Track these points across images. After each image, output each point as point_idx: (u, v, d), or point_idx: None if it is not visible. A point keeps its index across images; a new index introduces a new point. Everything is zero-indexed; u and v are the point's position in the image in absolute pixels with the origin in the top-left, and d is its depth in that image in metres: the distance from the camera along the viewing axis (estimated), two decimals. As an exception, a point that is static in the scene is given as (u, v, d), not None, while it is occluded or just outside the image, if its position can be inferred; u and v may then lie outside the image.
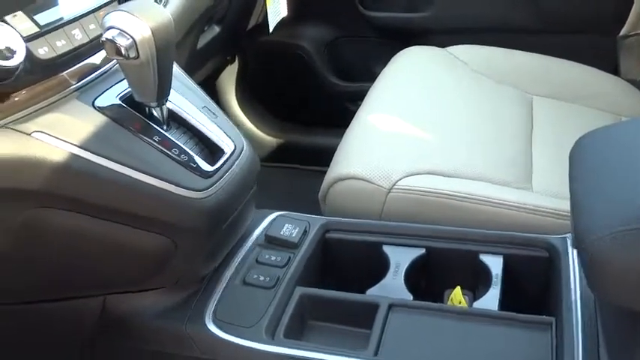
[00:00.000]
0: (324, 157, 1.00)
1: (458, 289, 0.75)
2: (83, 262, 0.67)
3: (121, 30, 0.60)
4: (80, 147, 0.62)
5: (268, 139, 1.57)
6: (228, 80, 1.55)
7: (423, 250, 0.78)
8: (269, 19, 1.29)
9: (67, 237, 0.65)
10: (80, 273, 0.69)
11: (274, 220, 0.83)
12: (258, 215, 0.84)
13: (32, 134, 0.60)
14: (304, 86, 1.54)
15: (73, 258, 0.67)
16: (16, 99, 0.61)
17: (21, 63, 0.58)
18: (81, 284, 0.70)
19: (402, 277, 0.75)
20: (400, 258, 0.78)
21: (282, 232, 0.80)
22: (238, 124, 1.55)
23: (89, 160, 0.62)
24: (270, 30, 1.29)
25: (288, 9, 1.34)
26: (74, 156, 0.61)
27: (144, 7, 0.62)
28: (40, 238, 0.64)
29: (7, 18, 0.59)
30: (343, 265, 0.82)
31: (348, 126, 1.04)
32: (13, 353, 0.77)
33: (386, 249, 0.79)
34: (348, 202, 0.90)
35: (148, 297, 0.71)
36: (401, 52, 1.22)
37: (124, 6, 0.62)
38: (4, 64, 0.56)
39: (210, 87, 1.52)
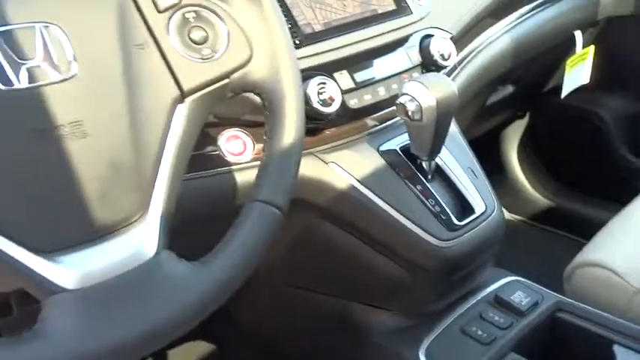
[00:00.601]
0: (590, 229, 0.99)
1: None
2: (334, 268, 0.84)
3: (412, 97, 0.73)
4: (359, 181, 0.77)
5: (537, 197, 1.57)
6: (514, 133, 1.59)
7: (659, 364, 0.74)
8: (564, 85, 1.29)
9: (331, 245, 0.82)
10: (329, 276, 0.85)
11: (509, 283, 0.87)
12: (495, 274, 0.89)
13: (329, 163, 0.77)
14: (591, 154, 1.49)
15: (328, 262, 0.84)
16: (326, 133, 0.79)
17: (336, 110, 0.75)
18: (329, 284, 0.87)
19: (625, 383, 0.73)
20: (629, 363, 0.75)
21: (512, 297, 0.84)
22: (512, 176, 1.59)
23: (363, 193, 0.77)
24: (562, 96, 1.30)
25: (591, 75, 1.32)
26: (353, 187, 0.77)
27: (434, 80, 0.73)
28: (311, 240, 0.83)
29: (336, 75, 0.77)
30: (566, 348, 0.82)
31: (625, 204, 1.01)
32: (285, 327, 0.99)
33: (616, 349, 0.77)
34: (592, 289, 0.88)
35: (380, 315, 0.84)
36: None
37: (419, 77, 0.75)
38: (323, 110, 0.74)
39: (494, 136, 1.59)
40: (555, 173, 1.57)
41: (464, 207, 0.80)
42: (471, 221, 0.79)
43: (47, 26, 0.45)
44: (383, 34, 0.82)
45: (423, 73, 0.85)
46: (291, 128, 0.55)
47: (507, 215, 1.60)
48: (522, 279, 0.88)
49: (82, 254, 0.43)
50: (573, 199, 1.52)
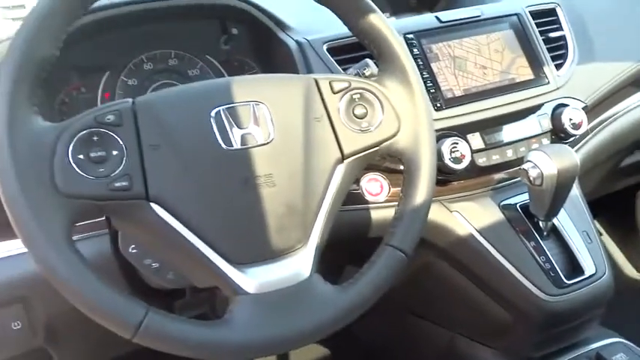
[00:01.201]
0: None
1: None
2: (446, 302, 0.95)
3: (535, 164, 0.82)
4: (478, 231, 0.87)
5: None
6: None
7: None
8: None
9: (445, 282, 0.93)
10: (440, 308, 0.96)
11: (613, 343, 0.92)
12: (601, 332, 0.94)
13: (453, 212, 0.88)
14: None
15: (441, 296, 0.95)
16: (453, 185, 0.90)
17: (465, 167, 0.85)
18: (439, 316, 0.98)
19: None
20: None
21: (613, 357, 0.89)
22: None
23: (480, 242, 0.87)
24: None
25: None
26: (472, 236, 0.87)
27: (558, 151, 0.81)
28: (429, 275, 0.94)
29: (468, 136, 0.88)
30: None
31: None
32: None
33: None
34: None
35: (482, 351, 0.93)
36: None
37: (544, 147, 0.83)
38: (453, 166, 0.84)
39: (632, 194, 1.57)
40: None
41: (574, 267, 0.87)
42: (579, 281, 0.86)
43: (258, 104, 0.63)
44: (518, 101, 0.91)
45: (552, 139, 0.93)
46: (423, 191, 0.68)
47: (637, 276, 1.58)
48: (627, 342, 0.92)
49: (260, 269, 0.60)
50: None
